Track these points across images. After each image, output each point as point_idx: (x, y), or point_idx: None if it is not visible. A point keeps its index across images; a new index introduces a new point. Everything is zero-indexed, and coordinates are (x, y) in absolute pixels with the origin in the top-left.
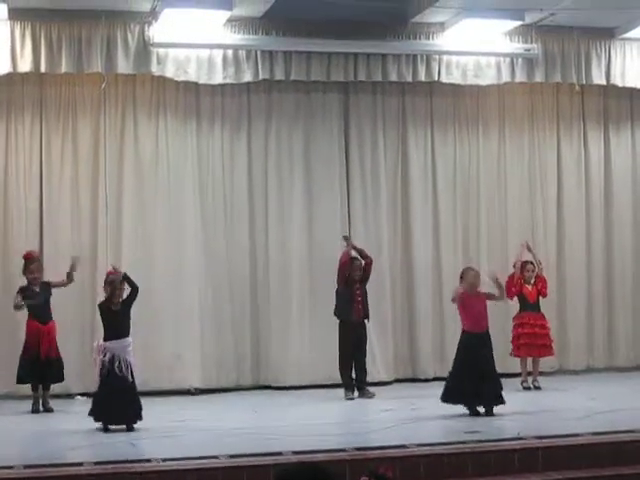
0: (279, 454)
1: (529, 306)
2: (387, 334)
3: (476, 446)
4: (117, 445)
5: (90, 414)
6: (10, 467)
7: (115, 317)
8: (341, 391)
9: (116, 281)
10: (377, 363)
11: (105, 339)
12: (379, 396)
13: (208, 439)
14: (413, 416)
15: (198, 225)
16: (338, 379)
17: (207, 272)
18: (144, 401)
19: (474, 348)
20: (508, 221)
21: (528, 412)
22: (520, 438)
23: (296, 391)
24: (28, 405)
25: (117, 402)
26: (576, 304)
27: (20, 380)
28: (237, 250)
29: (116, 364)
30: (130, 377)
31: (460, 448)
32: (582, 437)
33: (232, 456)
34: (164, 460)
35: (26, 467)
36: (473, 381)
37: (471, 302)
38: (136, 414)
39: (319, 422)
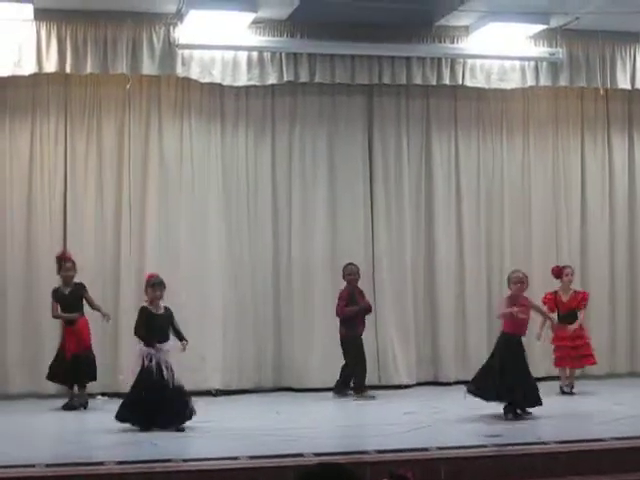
0: (300, 455)
1: (563, 317)
2: (409, 337)
3: (497, 450)
4: (139, 445)
5: (121, 417)
6: (32, 465)
7: (157, 321)
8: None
9: (157, 284)
10: (399, 366)
11: (147, 344)
12: (401, 399)
13: (228, 440)
14: (435, 419)
15: (222, 227)
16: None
17: (230, 274)
18: None
19: (514, 350)
20: (532, 225)
21: (551, 416)
22: (542, 442)
23: (317, 393)
24: (51, 403)
25: (161, 406)
26: (599, 308)
27: (48, 377)
28: (260, 252)
29: (160, 369)
30: (172, 381)
31: (481, 452)
32: (605, 442)
33: (252, 457)
34: (185, 460)
35: (48, 466)
36: (507, 381)
37: (519, 305)
38: (185, 416)
39: (340, 424)
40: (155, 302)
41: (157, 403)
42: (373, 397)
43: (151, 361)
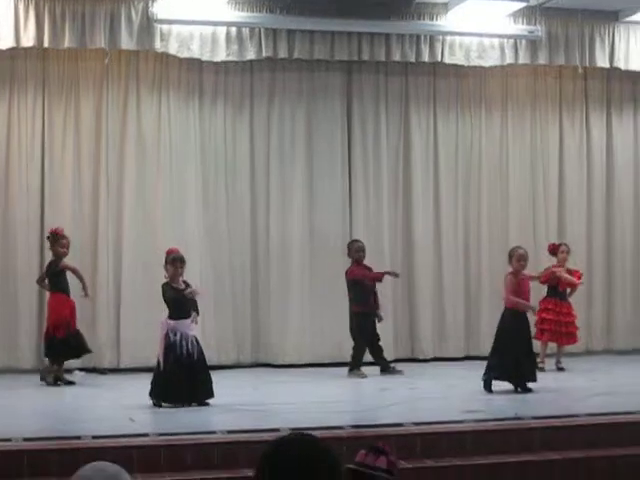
0: (277, 430)
1: (557, 293)
2: (387, 314)
3: (474, 425)
4: (116, 419)
5: (154, 396)
6: (9, 440)
7: (179, 296)
8: (340, 370)
9: (177, 259)
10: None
11: (171, 318)
12: (377, 375)
13: (206, 415)
14: (411, 395)
15: (199, 203)
16: (338, 357)
17: (208, 250)
18: (144, 377)
19: (521, 326)
20: (509, 202)
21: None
22: (518, 418)
23: (295, 369)
24: (28, 378)
25: (187, 381)
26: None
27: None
28: (238, 229)
29: (184, 343)
30: (197, 355)
31: (457, 427)
32: (580, 418)
33: (230, 432)
34: (161, 435)
35: (25, 440)
36: (519, 357)
37: (521, 281)
38: (208, 391)
39: (317, 400)
40: (176, 278)
41: (185, 377)
42: (364, 375)
43: (176, 335)
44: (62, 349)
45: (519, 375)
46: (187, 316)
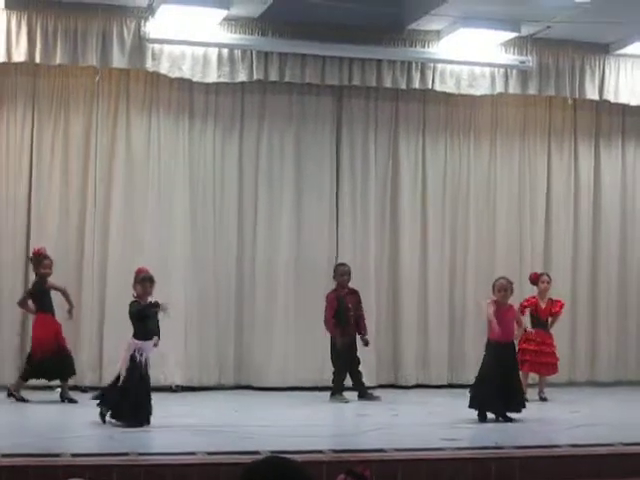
0: (256, 453)
1: (540, 323)
2: (370, 340)
3: (454, 454)
4: (96, 438)
5: (112, 411)
6: None
7: (147, 315)
8: (322, 394)
9: (147, 279)
10: (360, 368)
11: (136, 338)
12: (359, 401)
13: (186, 435)
14: (393, 421)
15: (187, 223)
16: (320, 382)
17: (194, 271)
18: None
19: (504, 357)
20: (496, 231)
21: (509, 421)
22: (498, 447)
23: (277, 392)
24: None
25: (147, 402)
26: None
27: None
28: (224, 249)
29: (145, 364)
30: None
31: (438, 455)
32: (561, 448)
33: (209, 453)
34: (140, 454)
35: (4, 456)
36: (502, 388)
37: (504, 312)
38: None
39: (298, 424)
40: (145, 297)
41: (145, 398)
42: (347, 400)
43: (142, 356)
44: (38, 370)
45: (500, 405)
46: (150, 338)
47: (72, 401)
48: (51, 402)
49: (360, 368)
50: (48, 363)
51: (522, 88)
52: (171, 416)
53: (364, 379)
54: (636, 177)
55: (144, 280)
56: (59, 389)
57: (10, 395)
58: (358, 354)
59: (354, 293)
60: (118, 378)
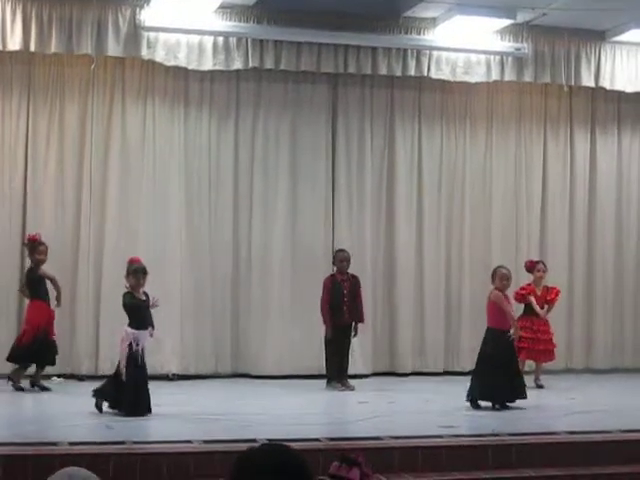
0: (253, 441)
1: (533, 311)
2: (367, 327)
3: (451, 440)
4: (93, 427)
5: (110, 401)
6: None
7: (141, 306)
8: (319, 382)
9: (140, 270)
10: (356, 356)
11: (131, 327)
12: (357, 388)
13: (183, 424)
14: (390, 409)
15: (182, 211)
16: (317, 370)
17: (190, 259)
18: None
19: (507, 345)
20: (492, 219)
21: (506, 409)
22: (495, 434)
23: (274, 380)
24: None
25: (146, 392)
26: (557, 304)
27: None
28: (220, 238)
29: (141, 353)
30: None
31: (435, 442)
32: (558, 435)
33: (206, 441)
34: (136, 443)
35: (1, 445)
36: (507, 376)
37: (506, 300)
38: (150, 403)
39: (294, 412)
40: (137, 289)
41: (143, 387)
42: (342, 388)
43: (138, 345)
44: (25, 353)
45: (509, 393)
46: (145, 327)
47: (45, 389)
48: (48, 392)
49: (350, 355)
50: (32, 348)
51: (518, 75)
52: (167, 404)
53: (361, 367)
54: (632, 164)
55: (137, 272)
56: (55, 378)
57: (10, 380)
58: (354, 341)
59: (353, 279)
60: (118, 370)
